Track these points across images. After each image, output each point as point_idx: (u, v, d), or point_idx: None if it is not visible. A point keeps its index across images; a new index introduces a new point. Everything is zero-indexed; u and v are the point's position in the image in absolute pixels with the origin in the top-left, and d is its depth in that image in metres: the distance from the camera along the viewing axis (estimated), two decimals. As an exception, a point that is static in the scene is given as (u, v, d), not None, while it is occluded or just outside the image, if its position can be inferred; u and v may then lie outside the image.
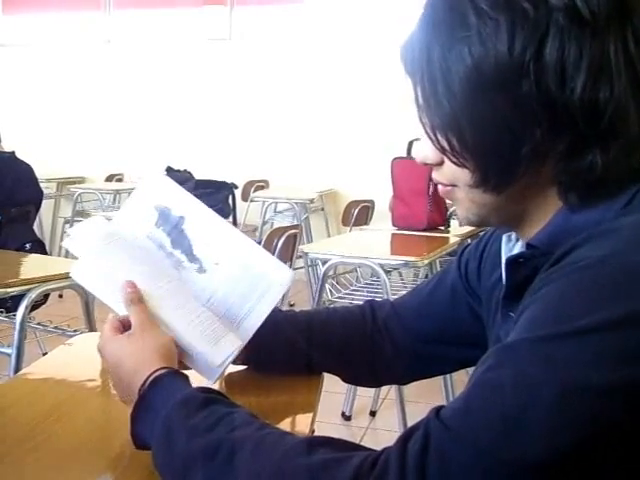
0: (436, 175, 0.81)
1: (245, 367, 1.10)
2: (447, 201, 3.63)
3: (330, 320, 1.13)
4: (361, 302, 1.16)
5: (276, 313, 1.12)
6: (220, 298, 0.93)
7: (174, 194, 0.92)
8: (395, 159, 3.43)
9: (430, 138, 0.76)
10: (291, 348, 1.09)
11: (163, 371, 0.84)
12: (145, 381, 0.83)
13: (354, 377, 1.18)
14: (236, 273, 0.94)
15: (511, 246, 0.88)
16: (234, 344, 0.93)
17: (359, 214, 5.06)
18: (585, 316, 0.60)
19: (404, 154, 3.41)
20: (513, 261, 0.79)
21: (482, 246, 1.02)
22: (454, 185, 0.79)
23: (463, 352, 1.05)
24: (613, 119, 0.69)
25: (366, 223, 5.03)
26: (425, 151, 0.80)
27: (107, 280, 0.88)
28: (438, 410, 0.65)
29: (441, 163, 0.79)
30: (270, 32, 6.27)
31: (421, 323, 1.08)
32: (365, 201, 5.24)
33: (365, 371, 1.13)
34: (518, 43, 0.68)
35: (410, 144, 3.42)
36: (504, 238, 0.89)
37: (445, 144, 0.75)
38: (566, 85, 0.68)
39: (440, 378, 3.18)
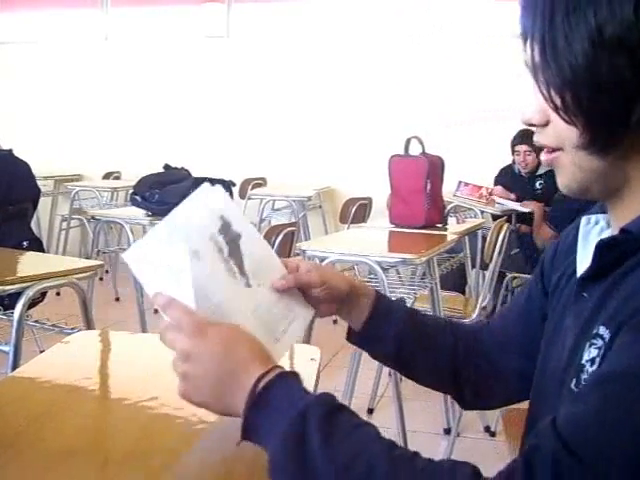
0: (540, 138, 0.82)
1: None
2: (445, 199, 3.64)
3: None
4: None
5: (398, 304, 1.10)
6: (261, 313, 0.94)
7: (234, 212, 0.94)
8: (393, 157, 3.42)
9: (544, 96, 0.76)
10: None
11: (284, 369, 0.79)
12: (266, 373, 0.77)
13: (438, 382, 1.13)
14: (273, 298, 0.96)
15: (589, 228, 0.88)
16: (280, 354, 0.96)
17: (357, 212, 5.06)
18: None
19: (402, 152, 3.40)
20: (604, 244, 0.78)
21: (560, 239, 1.01)
22: (559, 149, 0.80)
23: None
24: None
25: (364, 221, 5.03)
26: (531, 112, 0.81)
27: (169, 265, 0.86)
28: (558, 433, 0.63)
29: (546, 124, 0.80)
30: (268, 30, 6.27)
31: (506, 336, 1.06)
32: (363, 199, 5.23)
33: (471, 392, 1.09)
34: None
35: (408, 141, 3.42)
36: (583, 220, 0.89)
37: (558, 101, 0.75)
38: None
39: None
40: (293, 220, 4.97)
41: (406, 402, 2.72)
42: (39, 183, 3.61)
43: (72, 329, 2.36)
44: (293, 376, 0.78)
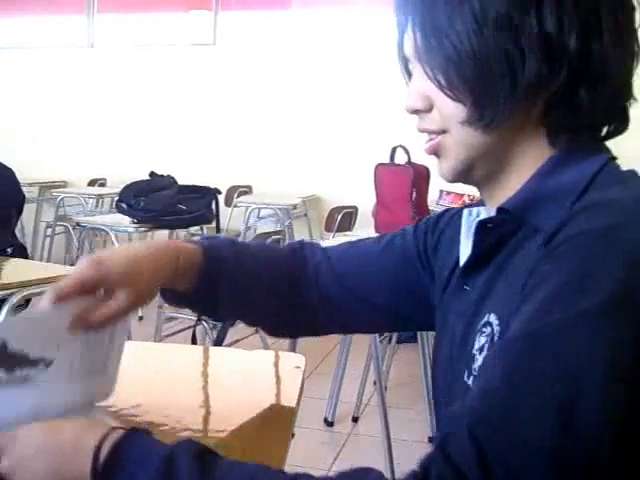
0: (425, 124, 0.82)
1: (224, 363, 1.10)
2: (430, 208, 3.65)
3: (257, 258, 1.05)
4: None
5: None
6: (80, 363, 0.86)
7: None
8: (379, 165, 3.43)
9: (428, 76, 0.77)
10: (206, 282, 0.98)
11: (120, 431, 0.71)
12: (102, 441, 0.69)
13: (273, 326, 1.10)
14: (80, 344, 0.85)
15: (471, 221, 0.87)
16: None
17: (342, 220, 5.07)
18: (611, 284, 0.60)
19: (387, 160, 3.42)
20: (482, 226, 0.79)
21: (443, 224, 1.00)
22: (444, 131, 0.79)
23: (393, 317, 1.04)
24: (601, 65, 0.73)
25: (349, 229, 5.04)
26: (414, 99, 0.81)
27: None
28: (468, 409, 0.61)
29: (430, 109, 0.80)
30: (254, 38, 6.28)
31: (359, 278, 1.04)
32: (348, 207, 5.25)
33: (285, 318, 1.07)
34: None
35: (394, 150, 3.43)
36: (465, 212, 0.89)
37: (443, 80, 0.76)
38: (564, 29, 0.72)
39: (423, 385, 3.19)
40: (279, 228, 4.98)
41: (391, 410, 2.73)
42: (24, 189, 3.59)
43: (56, 336, 2.34)
44: (140, 434, 0.71)
